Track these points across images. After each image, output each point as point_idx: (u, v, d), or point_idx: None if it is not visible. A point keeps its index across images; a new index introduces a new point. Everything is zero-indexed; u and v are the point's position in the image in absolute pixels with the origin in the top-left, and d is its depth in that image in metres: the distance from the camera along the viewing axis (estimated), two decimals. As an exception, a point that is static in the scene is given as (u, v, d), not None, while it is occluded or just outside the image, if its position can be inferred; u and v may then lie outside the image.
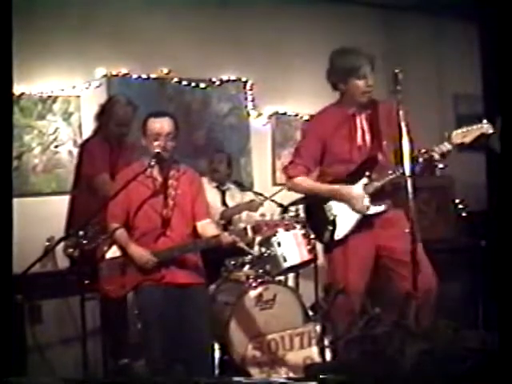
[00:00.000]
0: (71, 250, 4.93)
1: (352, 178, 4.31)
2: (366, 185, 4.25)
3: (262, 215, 5.08)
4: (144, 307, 4.25)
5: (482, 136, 3.98)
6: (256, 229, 4.10)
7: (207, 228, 4.36)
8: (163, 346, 4.18)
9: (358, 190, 4.26)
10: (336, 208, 4.33)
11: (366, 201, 4.23)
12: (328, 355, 4.47)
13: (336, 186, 4.32)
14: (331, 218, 4.32)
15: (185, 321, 4.26)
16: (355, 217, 4.27)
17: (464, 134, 4.00)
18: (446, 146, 4.03)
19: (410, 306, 3.67)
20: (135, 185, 4.25)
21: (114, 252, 4.33)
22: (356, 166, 4.31)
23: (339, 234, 4.31)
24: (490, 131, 3.97)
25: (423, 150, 4.03)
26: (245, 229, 4.11)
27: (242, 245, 4.51)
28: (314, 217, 4.49)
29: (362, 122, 4.33)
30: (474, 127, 3.99)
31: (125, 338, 5.18)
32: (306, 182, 4.45)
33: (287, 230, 5.14)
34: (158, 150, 4.20)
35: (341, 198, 4.30)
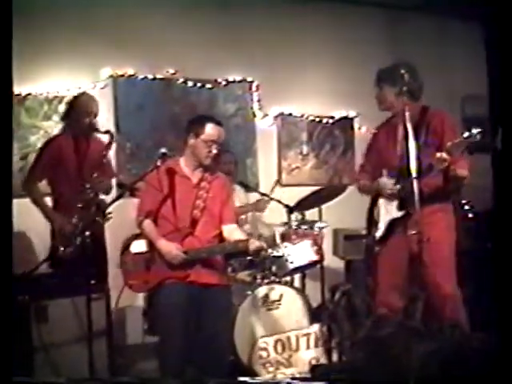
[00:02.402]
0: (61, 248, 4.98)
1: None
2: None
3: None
4: (166, 304, 4.27)
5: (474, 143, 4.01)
6: (285, 236, 4.17)
7: (233, 232, 4.46)
8: (180, 346, 4.22)
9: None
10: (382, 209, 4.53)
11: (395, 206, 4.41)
12: (335, 356, 4.47)
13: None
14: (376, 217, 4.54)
15: (205, 322, 4.32)
16: (395, 215, 4.42)
17: (457, 144, 4.01)
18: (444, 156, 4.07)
19: (417, 307, 3.68)
20: (168, 182, 4.34)
21: (139, 247, 4.37)
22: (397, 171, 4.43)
23: (380, 233, 4.53)
24: (478, 138, 3.99)
25: (438, 155, 4.05)
26: (274, 236, 4.16)
27: (269, 251, 4.62)
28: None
29: (406, 129, 4.33)
30: (465, 135, 3.99)
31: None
32: (366, 184, 4.78)
33: (315, 240, 5.18)
34: (163, 151, 4.26)
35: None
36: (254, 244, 4.19)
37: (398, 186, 4.38)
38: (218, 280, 4.38)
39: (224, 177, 4.65)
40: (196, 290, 4.27)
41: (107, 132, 5.24)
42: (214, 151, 4.37)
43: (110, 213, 4.58)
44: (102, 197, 5.25)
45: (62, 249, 4.97)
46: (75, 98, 5.51)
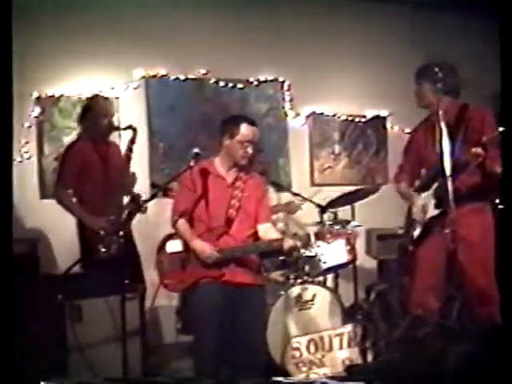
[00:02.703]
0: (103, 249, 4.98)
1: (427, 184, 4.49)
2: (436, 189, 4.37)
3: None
4: (201, 304, 4.29)
5: None
6: (319, 236, 4.16)
7: (268, 231, 4.46)
8: (214, 345, 4.23)
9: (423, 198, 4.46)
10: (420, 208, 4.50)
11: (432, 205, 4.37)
12: (369, 356, 4.45)
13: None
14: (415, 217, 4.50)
15: (239, 321, 4.32)
16: (432, 214, 4.40)
17: (493, 139, 3.99)
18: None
19: (454, 307, 3.65)
20: (203, 182, 4.35)
21: (174, 246, 4.39)
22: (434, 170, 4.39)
23: (417, 233, 4.51)
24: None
25: (473, 150, 4.02)
26: (308, 235, 4.15)
27: (303, 251, 4.61)
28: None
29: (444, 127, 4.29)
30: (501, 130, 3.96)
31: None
32: (404, 187, 4.75)
33: (349, 240, 5.16)
34: (196, 151, 4.26)
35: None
36: (289, 243, 4.19)
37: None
38: (252, 279, 4.37)
39: (259, 176, 4.65)
40: (231, 290, 4.27)
41: (129, 127, 5.21)
42: (250, 151, 4.36)
43: (146, 201, 4.58)
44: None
45: (103, 250, 4.94)
46: (90, 100, 5.54)
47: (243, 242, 4.37)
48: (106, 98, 5.58)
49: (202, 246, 4.26)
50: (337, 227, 5.15)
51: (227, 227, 4.35)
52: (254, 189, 4.47)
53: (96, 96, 5.68)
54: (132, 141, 5.15)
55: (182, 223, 4.37)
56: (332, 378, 4.62)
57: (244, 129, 4.35)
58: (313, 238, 4.17)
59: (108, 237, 4.92)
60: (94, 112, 5.33)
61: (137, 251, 5.35)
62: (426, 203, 4.41)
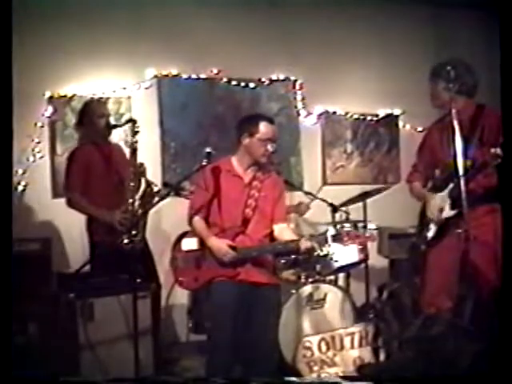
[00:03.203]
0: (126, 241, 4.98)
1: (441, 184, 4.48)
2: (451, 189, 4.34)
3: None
4: (215, 303, 4.31)
5: None
6: (337, 238, 4.13)
7: (284, 232, 4.45)
8: (228, 344, 4.23)
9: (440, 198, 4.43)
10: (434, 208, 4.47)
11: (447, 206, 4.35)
12: (381, 355, 4.43)
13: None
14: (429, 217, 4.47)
15: (253, 320, 4.32)
16: (447, 215, 4.38)
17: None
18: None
19: (467, 307, 3.63)
20: (220, 181, 4.36)
21: (190, 244, 4.39)
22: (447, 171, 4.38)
23: (432, 233, 4.48)
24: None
25: (493, 150, 4.00)
26: (326, 237, 4.14)
27: (319, 252, 4.61)
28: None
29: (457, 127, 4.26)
30: None
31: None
32: (417, 187, 4.73)
33: (361, 242, 5.14)
34: (208, 150, 4.25)
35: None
36: (305, 244, 4.18)
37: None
38: (267, 279, 4.36)
39: (276, 176, 4.63)
40: (246, 288, 4.27)
41: (128, 121, 5.21)
42: (271, 149, 4.34)
43: (158, 201, 4.59)
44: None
45: (126, 241, 4.93)
46: (85, 103, 5.56)
47: (259, 242, 4.36)
48: (99, 100, 5.67)
49: (219, 245, 4.25)
50: (349, 228, 5.13)
51: (244, 227, 4.34)
52: (270, 188, 4.45)
53: (90, 99, 5.74)
54: (134, 132, 5.14)
55: (198, 221, 4.37)
56: (343, 377, 4.62)
57: (263, 127, 4.33)
58: (330, 240, 4.15)
59: (126, 227, 4.93)
60: (90, 114, 5.35)
61: (149, 250, 5.36)
62: (441, 202, 4.39)
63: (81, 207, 5.27)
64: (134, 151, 5.11)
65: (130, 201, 5.03)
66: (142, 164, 5.23)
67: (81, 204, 5.25)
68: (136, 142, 5.10)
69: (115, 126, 5.40)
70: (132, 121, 5.15)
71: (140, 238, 4.97)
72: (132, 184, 5.08)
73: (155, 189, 5.09)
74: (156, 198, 4.88)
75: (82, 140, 5.48)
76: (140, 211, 4.96)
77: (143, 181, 5.18)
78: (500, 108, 3.68)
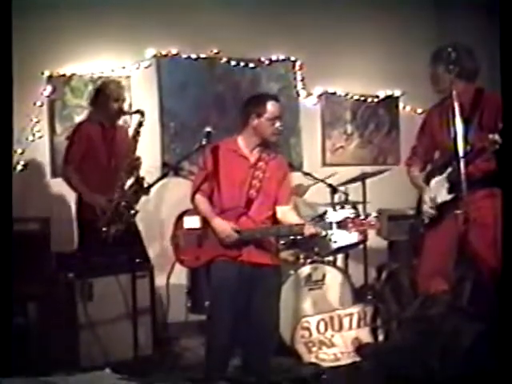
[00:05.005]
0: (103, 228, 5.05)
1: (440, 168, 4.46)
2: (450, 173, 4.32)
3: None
4: (216, 282, 4.28)
5: None
6: (342, 224, 4.11)
7: (287, 214, 4.40)
8: (228, 323, 4.22)
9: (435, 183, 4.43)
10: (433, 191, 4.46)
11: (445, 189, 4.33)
12: (380, 336, 4.45)
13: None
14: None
15: (254, 302, 4.30)
16: (445, 198, 4.35)
17: None
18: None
19: (465, 288, 3.64)
20: (225, 161, 4.33)
21: (192, 222, 4.37)
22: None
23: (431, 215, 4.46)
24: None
25: (491, 136, 3.99)
26: (330, 223, 4.12)
27: (324, 238, 4.60)
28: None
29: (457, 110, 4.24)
30: None
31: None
32: (415, 177, 4.69)
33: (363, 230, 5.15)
34: (208, 130, 4.24)
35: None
36: (310, 230, 4.14)
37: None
38: (269, 260, 4.34)
39: (281, 157, 4.58)
40: (246, 269, 4.24)
41: (137, 112, 5.27)
42: (280, 127, 4.34)
43: (149, 186, 4.61)
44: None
45: (104, 229, 5.01)
46: (104, 83, 5.60)
47: (262, 224, 4.32)
48: (119, 83, 5.66)
49: (223, 226, 4.21)
50: (353, 213, 5.09)
51: (247, 208, 4.30)
52: (275, 170, 4.41)
53: (109, 80, 5.74)
54: (140, 124, 5.18)
55: (203, 201, 4.32)
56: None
57: (270, 106, 4.30)
58: (334, 227, 4.13)
59: (107, 216, 4.99)
60: (106, 95, 5.39)
61: (138, 230, 5.37)
62: (435, 195, 4.38)
63: (71, 181, 5.36)
64: (135, 142, 5.15)
65: (118, 191, 5.07)
66: (138, 158, 5.25)
67: (72, 179, 5.34)
68: (139, 133, 5.14)
69: (126, 113, 5.44)
70: (140, 112, 5.21)
71: (122, 228, 4.98)
72: (125, 175, 5.13)
73: (145, 185, 5.05)
74: (142, 196, 4.99)
75: (91, 116, 5.54)
76: (123, 204, 4.93)
77: (135, 174, 5.20)
78: (500, 94, 3.68)
